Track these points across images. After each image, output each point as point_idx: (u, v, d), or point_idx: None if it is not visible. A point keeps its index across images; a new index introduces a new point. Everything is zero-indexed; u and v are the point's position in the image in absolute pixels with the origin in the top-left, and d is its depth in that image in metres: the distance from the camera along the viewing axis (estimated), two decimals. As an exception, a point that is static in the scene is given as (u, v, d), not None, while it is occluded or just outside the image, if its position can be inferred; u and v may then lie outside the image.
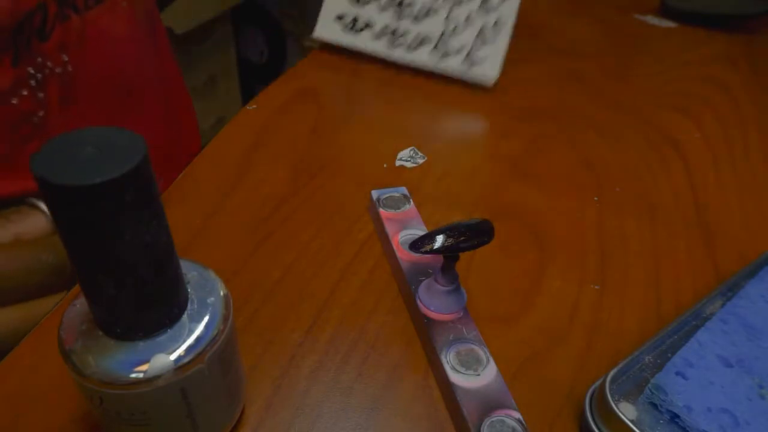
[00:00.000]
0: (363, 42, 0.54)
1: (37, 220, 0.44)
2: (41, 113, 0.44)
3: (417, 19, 0.54)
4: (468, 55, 0.52)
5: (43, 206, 0.45)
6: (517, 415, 0.25)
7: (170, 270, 0.20)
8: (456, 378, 0.27)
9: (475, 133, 0.48)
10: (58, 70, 0.44)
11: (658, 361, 0.28)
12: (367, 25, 0.54)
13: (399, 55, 0.53)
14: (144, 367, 0.20)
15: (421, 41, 0.53)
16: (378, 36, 0.54)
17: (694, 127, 0.50)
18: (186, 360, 0.20)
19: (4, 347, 0.29)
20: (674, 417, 0.25)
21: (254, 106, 0.49)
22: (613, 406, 0.25)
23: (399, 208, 0.36)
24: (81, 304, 0.21)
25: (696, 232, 0.39)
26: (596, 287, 0.35)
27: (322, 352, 0.30)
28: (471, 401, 0.26)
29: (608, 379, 0.26)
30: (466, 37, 0.52)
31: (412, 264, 0.33)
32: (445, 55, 0.52)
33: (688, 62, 0.61)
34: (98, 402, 0.21)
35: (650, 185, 0.43)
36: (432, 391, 0.28)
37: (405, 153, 0.44)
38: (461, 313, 0.30)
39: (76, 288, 0.32)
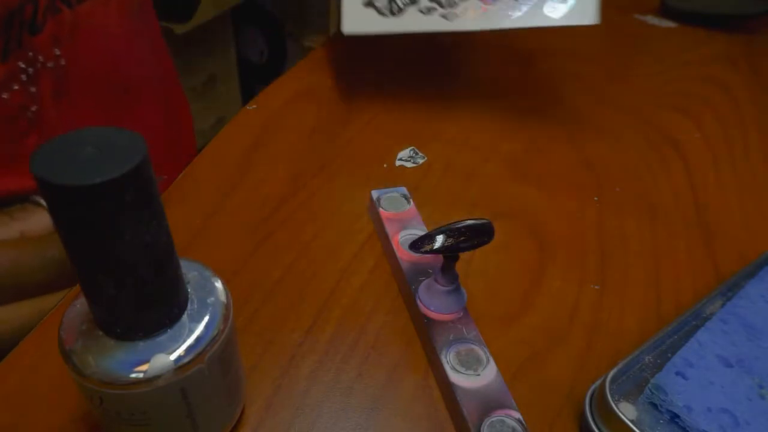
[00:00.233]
0: (410, 22, 0.45)
1: (41, 218, 0.44)
2: (34, 108, 0.43)
3: None
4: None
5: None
6: (517, 415, 0.25)
7: (170, 270, 0.20)
8: (456, 378, 0.27)
9: (475, 133, 0.48)
10: (50, 64, 0.43)
11: (658, 361, 0.28)
12: (411, 1, 0.45)
13: (463, 23, 0.45)
14: (144, 367, 0.20)
15: (487, 0, 0.45)
16: (428, 10, 0.45)
17: (694, 127, 0.50)
18: (186, 360, 0.20)
19: (12, 344, 0.29)
20: (674, 417, 0.25)
21: (254, 106, 0.49)
22: (613, 406, 0.25)
23: (399, 208, 0.36)
24: (81, 304, 0.21)
25: (696, 232, 0.39)
26: (596, 287, 0.35)
27: (322, 352, 0.30)
28: (471, 401, 0.26)
29: (608, 379, 0.26)
30: None
31: (412, 264, 0.33)
32: (523, 5, 0.45)
33: (688, 62, 0.61)
34: (98, 402, 0.21)
35: (650, 185, 0.43)
36: (432, 391, 0.28)
37: (405, 153, 0.44)
38: (461, 313, 0.30)
39: (76, 288, 0.32)
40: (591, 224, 0.39)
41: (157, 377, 0.20)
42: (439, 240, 0.28)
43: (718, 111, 0.53)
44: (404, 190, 0.38)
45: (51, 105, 0.45)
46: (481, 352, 0.28)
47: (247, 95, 1.36)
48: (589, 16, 0.43)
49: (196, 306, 0.22)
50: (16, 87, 0.42)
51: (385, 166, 0.43)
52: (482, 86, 0.54)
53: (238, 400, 0.25)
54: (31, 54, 0.42)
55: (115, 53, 0.50)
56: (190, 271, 0.23)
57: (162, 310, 0.20)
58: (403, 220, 0.36)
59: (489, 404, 0.26)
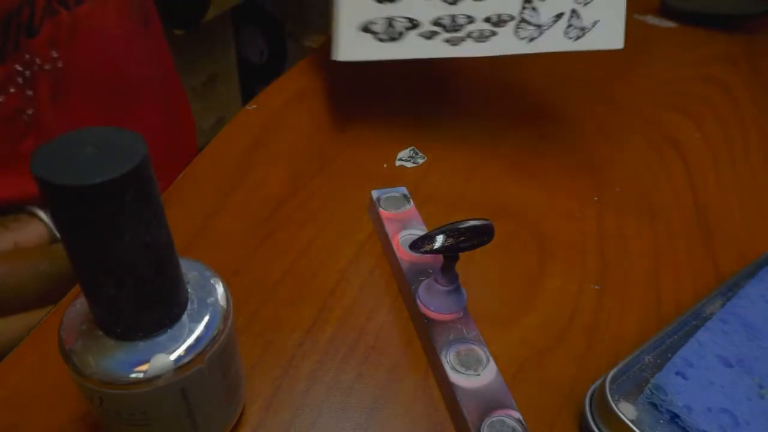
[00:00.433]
0: (411, 48, 0.41)
1: (36, 229, 0.43)
2: (31, 111, 0.43)
3: None
4: (571, 21, 0.39)
5: (42, 214, 0.44)
6: (517, 415, 0.25)
7: (170, 270, 0.20)
8: (456, 378, 0.27)
9: (476, 133, 0.48)
10: (47, 66, 0.43)
11: (658, 361, 0.28)
12: (412, 25, 0.40)
13: (470, 49, 0.40)
14: (144, 367, 0.20)
15: (496, 22, 0.40)
16: (430, 35, 0.40)
17: (694, 127, 0.50)
18: (186, 360, 0.20)
19: (4, 357, 0.29)
20: (674, 417, 0.25)
21: (254, 106, 0.49)
22: (613, 406, 0.25)
23: (399, 208, 0.36)
24: (81, 304, 0.21)
25: (696, 232, 0.39)
26: (596, 287, 0.35)
27: (322, 352, 0.30)
28: (471, 401, 0.26)
29: (608, 379, 0.26)
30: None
31: (412, 264, 0.33)
32: (537, 30, 0.40)
33: (688, 62, 0.61)
34: (98, 402, 0.21)
35: (650, 185, 0.43)
36: (432, 391, 0.28)
37: (405, 153, 0.44)
38: (461, 313, 0.30)
39: (76, 288, 0.32)
40: (591, 224, 0.39)
41: (157, 377, 0.20)
42: (439, 240, 0.28)
43: (718, 111, 0.53)
44: (404, 190, 0.38)
45: (48, 108, 0.44)
46: (481, 352, 0.28)
47: (247, 95, 1.35)
48: (615, 40, 0.39)
49: (196, 306, 0.22)
50: (12, 90, 0.41)
51: (385, 166, 0.43)
52: (482, 86, 0.54)
53: (238, 400, 0.25)
54: (27, 57, 0.42)
55: (114, 54, 0.49)
56: (190, 271, 0.23)
57: (162, 310, 0.20)
58: (403, 220, 0.36)
59: (489, 404, 0.26)
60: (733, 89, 0.57)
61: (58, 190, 0.16)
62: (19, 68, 0.41)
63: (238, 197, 0.39)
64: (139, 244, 0.18)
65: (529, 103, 0.52)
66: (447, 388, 0.27)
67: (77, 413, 0.26)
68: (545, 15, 0.40)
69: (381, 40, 0.40)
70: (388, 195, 0.37)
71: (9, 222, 0.43)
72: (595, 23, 0.38)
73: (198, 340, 0.21)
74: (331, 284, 0.34)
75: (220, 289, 0.23)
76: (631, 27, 0.69)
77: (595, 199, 0.41)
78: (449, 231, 0.27)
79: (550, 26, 0.40)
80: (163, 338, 0.20)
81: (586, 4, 0.39)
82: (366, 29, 0.41)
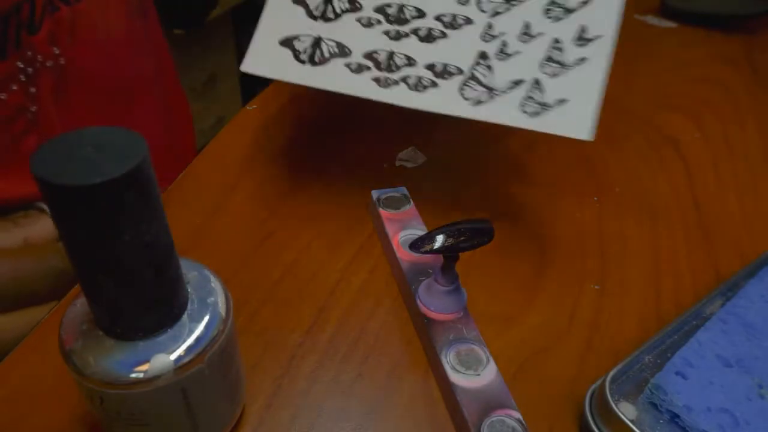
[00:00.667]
0: (332, 78, 0.34)
1: (45, 225, 0.44)
2: (33, 108, 0.43)
3: (429, 38, 0.34)
4: (531, 92, 0.32)
5: None
6: (517, 415, 0.25)
7: (170, 270, 0.20)
8: (456, 378, 0.27)
9: (475, 133, 0.48)
10: (49, 63, 0.43)
11: (658, 361, 0.28)
12: (340, 51, 0.34)
13: (400, 97, 0.33)
14: (144, 367, 0.20)
15: (440, 72, 0.33)
16: (359, 68, 0.34)
17: (694, 127, 0.50)
18: (186, 360, 0.20)
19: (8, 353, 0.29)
20: (674, 417, 0.25)
21: (254, 106, 0.49)
22: (613, 406, 0.25)
23: (399, 208, 0.36)
24: (81, 304, 0.21)
25: (696, 232, 0.39)
26: (596, 287, 0.35)
27: (322, 352, 0.30)
28: (471, 401, 0.26)
29: (608, 379, 0.26)
30: (525, 61, 0.33)
31: (412, 264, 0.33)
32: (487, 94, 0.32)
33: (688, 62, 0.61)
34: (98, 402, 0.21)
35: (650, 185, 0.43)
36: (432, 391, 0.28)
37: (405, 153, 0.44)
38: (461, 313, 0.30)
39: (76, 288, 0.32)
40: (591, 224, 0.39)
41: (157, 377, 0.20)
42: (439, 240, 0.28)
43: (718, 111, 0.53)
44: (404, 190, 0.38)
45: (50, 105, 0.44)
46: (481, 352, 0.28)
47: (247, 95, 1.35)
48: (581, 128, 0.31)
49: (196, 306, 0.22)
50: (14, 87, 0.41)
51: (385, 166, 0.43)
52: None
53: (238, 400, 0.25)
54: (29, 53, 0.42)
55: (114, 52, 0.49)
56: (190, 271, 0.23)
57: (162, 310, 0.20)
58: (403, 220, 0.36)
59: (489, 404, 0.26)
60: (733, 89, 0.57)
61: (58, 190, 0.16)
62: (21, 65, 0.41)
63: (238, 197, 0.39)
64: (139, 244, 0.18)
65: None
66: (447, 388, 0.27)
67: (77, 413, 0.26)
68: (501, 78, 0.33)
69: (300, 60, 0.34)
70: (388, 195, 0.37)
71: (19, 218, 0.43)
72: (560, 102, 0.31)
73: (198, 340, 0.21)
74: (331, 284, 0.34)
75: (220, 289, 0.23)
76: (631, 27, 0.69)
77: (595, 199, 0.41)
78: (449, 231, 0.27)
79: (505, 93, 0.32)
80: (163, 338, 0.20)
81: (553, 76, 0.32)
82: (287, 44, 0.34)
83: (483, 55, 0.33)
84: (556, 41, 0.32)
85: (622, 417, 0.25)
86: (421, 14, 0.34)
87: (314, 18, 0.35)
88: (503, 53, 0.33)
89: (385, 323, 0.32)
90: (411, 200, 0.37)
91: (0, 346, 0.34)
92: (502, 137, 0.48)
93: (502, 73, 0.33)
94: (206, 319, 0.21)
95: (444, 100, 0.33)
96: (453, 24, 0.34)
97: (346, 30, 0.34)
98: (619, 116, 0.51)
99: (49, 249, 0.41)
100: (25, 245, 0.42)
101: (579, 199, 0.41)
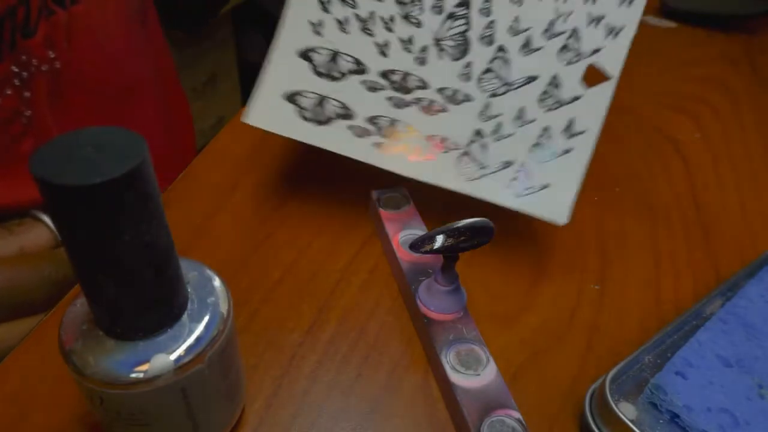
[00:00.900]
0: (335, 139, 0.34)
1: (40, 233, 0.43)
2: (28, 113, 0.43)
3: (430, 110, 0.34)
4: (518, 174, 0.33)
5: (46, 219, 0.44)
6: (517, 415, 0.25)
7: (170, 270, 0.20)
8: (456, 378, 0.27)
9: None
10: (44, 67, 0.43)
11: (658, 361, 0.28)
12: (344, 113, 0.34)
13: (399, 165, 0.34)
14: (144, 367, 0.20)
15: (442, 141, 0.34)
16: (362, 132, 0.34)
17: (694, 127, 0.50)
18: (186, 360, 0.20)
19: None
20: (674, 417, 0.25)
21: (254, 106, 0.49)
22: (613, 406, 0.25)
23: (399, 208, 0.36)
24: (81, 304, 0.21)
25: (696, 232, 0.39)
26: (596, 287, 0.35)
27: (322, 352, 0.30)
28: (471, 401, 0.26)
29: (608, 379, 0.26)
30: (517, 144, 0.34)
31: (412, 264, 0.33)
32: (479, 171, 0.34)
33: (688, 62, 0.61)
34: (98, 402, 0.21)
35: (650, 185, 0.43)
36: (432, 391, 0.28)
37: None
38: (461, 313, 0.30)
39: (76, 288, 0.32)
40: (591, 224, 0.39)
41: (157, 377, 0.20)
42: (439, 240, 0.28)
43: (718, 111, 0.53)
44: (404, 190, 0.38)
45: (46, 109, 0.44)
46: (481, 352, 0.28)
47: (247, 95, 1.35)
48: (559, 213, 0.33)
49: (196, 306, 0.22)
50: (9, 92, 0.41)
51: (385, 166, 0.43)
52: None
53: (238, 400, 0.25)
54: (24, 58, 0.41)
55: (112, 54, 0.49)
56: (190, 271, 0.23)
57: (162, 310, 0.20)
58: (403, 220, 0.36)
59: (489, 404, 0.26)
60: (733, 89, 0.57)
61: (58, 190, 0.16)
62: (16, 69, 0.41)
63: (238, 197, 0.39)
64: (139, 244, 0.18)
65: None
66: (447, 388, 0.27)
67: (77, 413, 0.26)
68: (494, 157, 0.34)
69: (304, 117, 0.34)
70: (388, 195, 0.37)
71: (14, 226, 0.43)
72: (543, 186, 0.33)
73: (198, 340, 0.21)
74: (331, 284, 0.34)
75: (220, 289, 0.23)
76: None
77: (595, 199, 0.41)
78: (449, 231, 0.27)
79: (495, 172, 0.33)
80: (163, 338, 0.20)
81: (540, 162, 0.33)
82: (291, 99, 0.34)
83: (479, 133, 0.34)
84: (546, 129, 0.34)
85: (622, 417, 0.25)
86: (424, 85, 0.34)
87: (320, 75, 0.35)
88: (497, 134, 0.34)
89: (385, 323, 0.32)
90: (411, 200, 0.37)
91: None
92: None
93: (495, 152, 0.34)
94: (206, 319, 0.21)
95: (440, 173, 0.34)
96: (454, 99, 0.34)
97: (350, 91, 0.35)
98: (619, 116, 0.51)
99: (45, 258, 0.41)
100: (21, 254, 0.41)
101: (579, 199, 0.41)
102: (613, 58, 0.35)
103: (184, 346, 0.20)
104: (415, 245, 0.28)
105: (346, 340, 0.31)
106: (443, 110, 0.34)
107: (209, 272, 0.23)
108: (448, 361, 0.28)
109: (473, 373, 0.27)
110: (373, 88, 0.34)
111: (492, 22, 0.34)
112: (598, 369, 0.30)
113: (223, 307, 0.22)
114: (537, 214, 0.33)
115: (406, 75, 0.35)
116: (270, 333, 0.31)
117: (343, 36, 0.35)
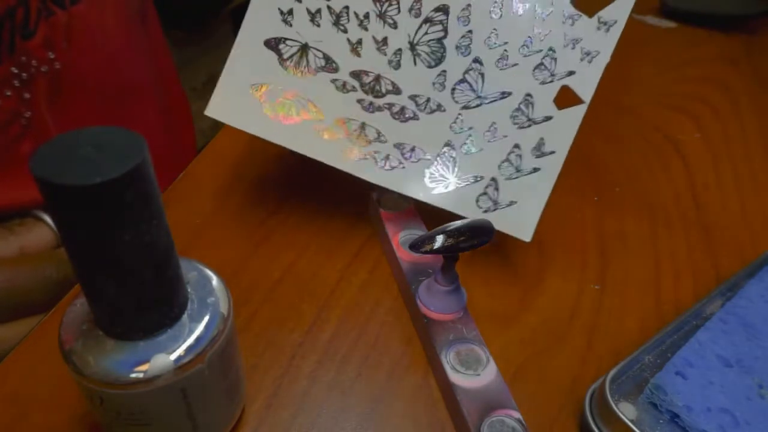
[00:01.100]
0: (298, 139, 0.33)
1: (41, 233, 0.43)
2: (28, 114, 0.43)
3: (402, 116, 0.33)
4: (487, 189, 0.33)
5: (47, 219, 0.44)
6: (517, 415, 0.25)
7: (170, 270, 0.20)
8: (456, 378, 0.27)
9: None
10: (44, 68, 0.42)
11: (658, 361, 0.28)
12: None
13: (364, 170, 0.33)
14: (144, 367, 0.20)
15: (409, 155, 0.33)
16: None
17: (694, 127, 0.50)
18: (186, 360, 0.20)
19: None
20: (674, 417, 0.25)
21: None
22: (613, 406, 0.25)
23: (399, 208, 0.36)
24: (81, 304, 0.21)
25: (696, 232, 0.39)
26: (596, 287, 0.35)
27: (322, 352, 0.30)
28: (471, 401, 0.26)
29: (608, 379, 0.26)
30: (487, 159, 0.33)
31: (412, 264, 0.33)
32: (450, 183, 0.33)
33: (688, 62, 0.61)
34: (98, 402, 0.21)
35: (650, 185, 0.43)
36: (432, 391, 0.28)
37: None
38: (461, 313, 0.30)
39: (76, 288, 0.32)
40: (591, 224, 0.39)
41: (157, 377, 0.20)
42: (439, 240, 0.28)
43: (718, 111, 0.53)
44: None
45: (45, 110, 0.44)
46: (481, 352, 0.28)
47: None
48: (524, 231, 0.33)
49: (196, 306, 0.22)
50: (8, 93, 0.41)
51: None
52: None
53: (238, 400, 0.25)
54: (24, 59, 0.41)
55: (112, 54, 0.49)
56: (190, 271, 0.23)
57: (162, 310, 0.20)
58: (402, 220, 0.36)
59: (489, 404, 0.26)
60: (733, 89, 0.57)
61: (58, 190, 0.16)
62: (15, 71, 0.41)
63: (238, 197, 0.39)
64: (139, 244, 0.18)
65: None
66: (447, 388, 0.27)
67: (77, 413, 0.26)
68: (463, 170, 0.33)
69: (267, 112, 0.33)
70: (388, 195, 0.37)
71: (15, 226, 0.43)
72: (510, 204, 0.33)
73: (198, 340, 0.21)
74: (331, 284, 0.34)
75: (220, 289, 0.23)
76: (631, 27, 0.69)
77: (596, 199, 0.41)
78: (449, 231, 0.27)
79: (465, 185, 0.33)
80: (163, 338, 0.20)
81: (508, 179, 0.33)
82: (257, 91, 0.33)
83: (449, 144, 0.33)
84: (517, 146, 0.33)
85: (622, 417, 0.25)
86: (396, 90, 0.33)
87: (286, 68, 0.33)
88: (467, 147, 0.33)
89: (385, 323, 0.32)
90: (411, 200, 0.37)
91: None
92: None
93: (464, 165, 0.33)
94: (206, 319, 0.21)
95: (408, 183, 0.33)
96: (426, 107, 0.33)
97: (319, 89, 0.33)
98: (619, 116, 0.51)
99: (46, 258, 0.41)
100: (21, 254, 0.41)
101: (579, 199, 0.41)
102: (587, 83, 0.34)
103: (184, 346, 0.20)
104: (415, 245, 0.28)
105: (346, 340, 0.31)
106: (414, 118, 0.33)
107: (209, 272, 0.23)
108: (448, 361, 0.28)
109: (473, 373, 0.27)
110: (343, 88, 0.33)
111: (470, 32, 0.33)
112: (598, 369, 0.30)
113: (223, 307, 0.22)
114: (502, 229, 0.33)
115: (378, 77, 0.33)
116: (270, 333, 0.31)
117: (314, 29, 0.33)
